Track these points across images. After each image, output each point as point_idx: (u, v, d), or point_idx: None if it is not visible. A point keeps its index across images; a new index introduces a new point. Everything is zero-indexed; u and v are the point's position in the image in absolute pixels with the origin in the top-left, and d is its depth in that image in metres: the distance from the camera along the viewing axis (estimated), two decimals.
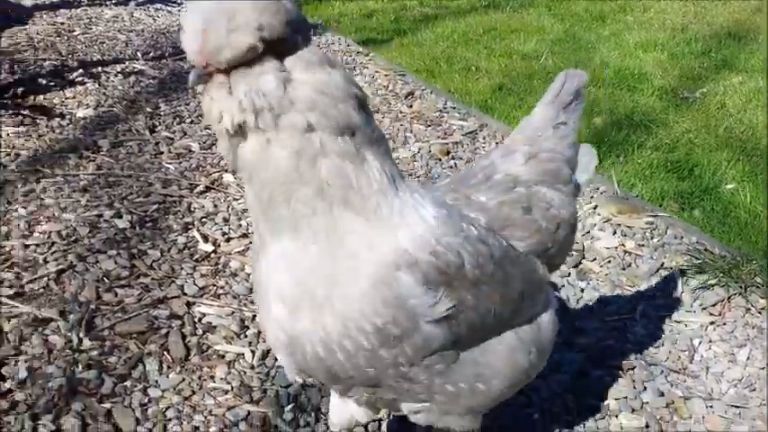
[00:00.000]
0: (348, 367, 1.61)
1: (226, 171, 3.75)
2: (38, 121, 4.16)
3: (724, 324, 2.89)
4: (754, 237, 3.61)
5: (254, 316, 2.73)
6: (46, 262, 2.95)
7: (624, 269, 3.19)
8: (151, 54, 5.29)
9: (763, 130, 4.78)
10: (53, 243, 3.06)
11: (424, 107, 4.76)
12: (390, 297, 1.54)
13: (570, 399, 2.48)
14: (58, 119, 4.20)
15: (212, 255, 3.08)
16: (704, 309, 2.97)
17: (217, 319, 2.71)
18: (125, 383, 2.42)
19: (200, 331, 2.66)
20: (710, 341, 2.81)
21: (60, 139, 3.98)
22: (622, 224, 3.49)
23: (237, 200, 3.52)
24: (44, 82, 4.68)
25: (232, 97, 1.43)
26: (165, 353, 2.56)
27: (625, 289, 3.07)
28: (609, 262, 3.22)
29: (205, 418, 2.31)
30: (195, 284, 2.89)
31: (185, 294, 2.83)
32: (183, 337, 2.62)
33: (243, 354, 2.57)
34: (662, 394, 2.53)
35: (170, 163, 3.79)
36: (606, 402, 2.48)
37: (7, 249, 3.01)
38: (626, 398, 2.50)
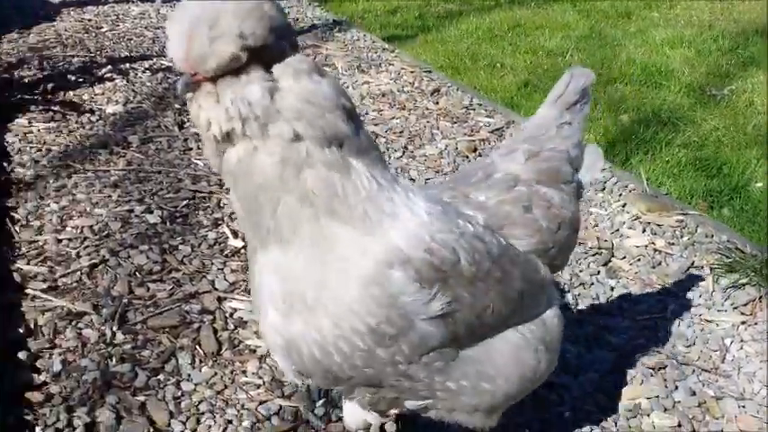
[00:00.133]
0: (346, 368, 1.61)
1: None
2: (68, 116, 4.20)
3: (755, 323, 2.87)
4: None
5: None
6: (78, 256, 2.98)
7: (654, 267, 3.17)
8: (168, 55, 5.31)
9: None
10: (85, 238, 3.10)
11: (450, 104, 4.76)
12: (383, 296, 1.53)
13: (601, 397, 2.47)
14: (87, 115, 4.23)
15: (242, 250, 3.09)
16: (735, 308, 2.95)
17: (248, 315, 2.73)
18: (158, 377, 2.44)
19: (231, 326, 2.67)
20: (742, 341, 2.79)
21: (90, 134, 4.01)
22: (652, 222, 3.47)
23: None
24: (73, 78, 4.72)
25: (219, 106, 1.43)
26: (198, 347, 2.58)
27: (655, 287, 3.05)
28: (639, 260, 3.21)
29: (238, 411, 2.32)
30: (226, 280, 2.91)
31: (216, 289, 2.85)
32: (215, 331, 2.64)
33: None
34: (694, 393, 2.52)
35: (199, 159, 3.81)
36: (638, 401, 2.47)
37: (40, 244, 3.04)
38: (658, 397, 2.49)
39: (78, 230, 3.14)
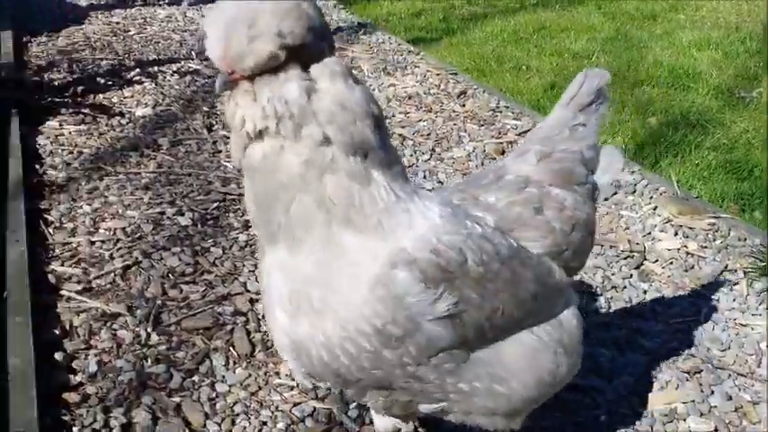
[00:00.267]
0: (353, 370, 1.60)
1: None
2: (98, 119, 4.24)
3: None
4: None
5: None
6: (112, 258, 3.00)
7: (687, 271, 3.14)
8: (205, 54, 5.33)
9: None
10: (118, 240, 3.12)
11: (477, 106, 4.75)
12: (388, 297, 1.53)
13: (636, 401, 2.46)
14: (117, 117, 4.27)
15: None
16: None
17: None
18: (193, 378, 2.45)
19: (263, 328, 2.68)
20: None
21: (121, 137, 4.05)
22: (684, 225, 3.45)
23: None
24: (102, 81, 4.78)
25: (256, 104, 1.44)
26: (231, 348, 2.59)
27: (688, 291, 3.03)
28: (671, 263, 3.18)
29: (272, 413, 2.33)
30: (257, 281, 2.91)
31: (248, 291, 2.86)
32: (248, 333, 2.65)
33: None
34: (730, 398, 2.49)
35: (228, 161, 3.83)
36: (674, 405, 2.44)
37: (74, 245, 3.07)
38: (693, 401, 2.46)
39: (111, 232, 3.17)
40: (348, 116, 1.46)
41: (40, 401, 2.18)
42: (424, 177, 3.85)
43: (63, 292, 2.79)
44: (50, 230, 3.16)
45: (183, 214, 3.33)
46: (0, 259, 2.82)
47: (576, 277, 2.90)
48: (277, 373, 2.49)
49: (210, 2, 6.54)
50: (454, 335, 1.60)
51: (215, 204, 3.43)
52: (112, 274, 2.91)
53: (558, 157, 1.93)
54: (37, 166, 3.68)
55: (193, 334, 2.64)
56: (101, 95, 4.56)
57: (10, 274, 2.71)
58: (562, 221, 1.84)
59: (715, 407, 2.46)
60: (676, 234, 3.39)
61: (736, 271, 3.15)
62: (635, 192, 3.73)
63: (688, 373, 2.60)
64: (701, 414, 2.42)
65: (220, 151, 3.96)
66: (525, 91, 5.35)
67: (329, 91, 1.45)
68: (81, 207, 3.34)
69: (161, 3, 6.53)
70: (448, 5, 7.48)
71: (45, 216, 3.26)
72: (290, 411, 2.34)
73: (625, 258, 3.21)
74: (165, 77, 4.90)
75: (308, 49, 1.42)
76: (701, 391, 2.51)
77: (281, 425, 2.29)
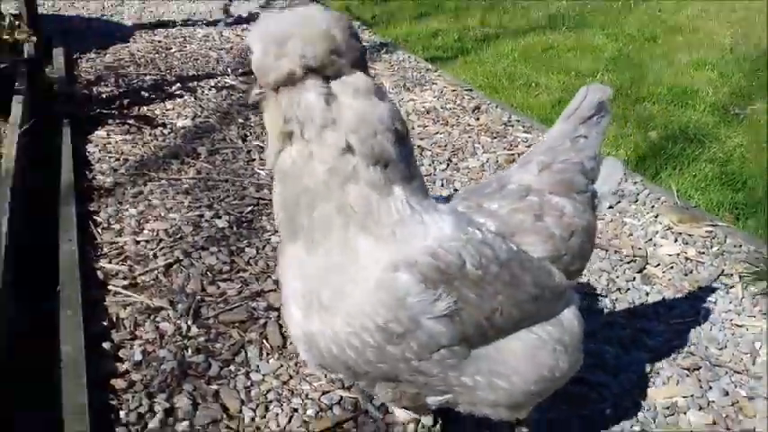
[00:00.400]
0: (360, 363, 1.61)
1: None
2: (142, 129, 4.26)
3: None
4: None
5: None
6: (155, 256, 3.02)
7: (686, 275, 3.12)
8: (240, 70, 5.35)
9: None
10: (161, 240, 3.14)
11: (490, 120, 4.74)
12: (390, 297, 1.54)
13: (639, 395, 2.44)
14: (160, 128, 4.29)
15: None
16: (764, 314, 2.89)
17: None
18: (230, 368, 2.46)
19: None
20: None
21: (163, 146, 4.07)
22: (683, 232, 3.42)
23: None
24: (146, 94, 4.80)
25: (281, 111, 1.49)
26: (264, 341, 2.59)
27: (688, 293, 3.00)
28: (671, 268, 3.16)
29: (302, 401, 2.33)
30: None
31: (280, 288, 2.86)
32: (280, 327, 2.65)
33: None
34: (727, 393, 2.47)
35: (261, 169, 3.84)
36: (675, 400, 2.43)
37: (120, 245, 3.09)
38: (693, 396, 2.45)
39: (154, 233, 3.19)
40: (369, 129, 1.48)
41: (90, 387, 2.19)
42: (441, 185, 3.85)
43: (110, 287, 2.81)
44: (99, 231, 3.19)
45: (219, 217, 3.34)
46: (54, 257, 2.84)
47: (583, 280, 2.92)
48: (306, 364, 2.49)
49: (244, 23, 6.61)
50: (454, 332, 1.60)
51: (249, 208, 3.44)
52: (156, 272, 2.93)
53: (559, 167, 1.91)
54: (87, 172, 3.71)
55: (230, 327, 2.65)
56: (144, 108, 4.58)
57: (62, 271, 2.73)
58: (561, 228, 1.82)
59: (713, 401, 2.44)
60: (676, 240, 3.37)
61: (731, 275, 3.12)
62: (637, 201, 3.71)
63: (688, 369, 2.58)
64: (700, 408, 2.41)
65: (254, 160, 3.97)
66: (535, 106, 5.34)
67: (351, 105, 1.48)
68: (127, 210, 3.36)
69: (199, 23, 6.56)
70: (462, 27, 7.46)
71: (94, 218, 3.28)
72: (319, 399, 2.34)
73: (628, 263, 3.19)
74: (203, 92, 4.92)
75: (331, 66, 1.46)
76: (700, 387, 2.50)
77: (310, 411, 2.29)
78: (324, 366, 1.72)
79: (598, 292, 2.96)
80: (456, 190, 3.80)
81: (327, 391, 2.37)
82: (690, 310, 2.91)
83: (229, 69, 5.39)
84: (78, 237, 2.98)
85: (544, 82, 5.90)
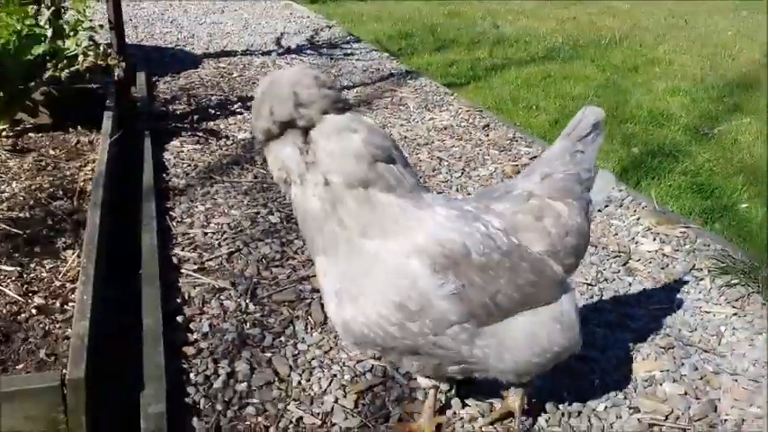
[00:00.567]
0: (387, 339, 1.63)
1: None
2: (209, 140, 4.29)
3: (745, 315, 2.76)
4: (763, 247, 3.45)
5: None
6: (220, 246, 3.04)
7: (663, 269, 3.08)
8: None
9: None
10: (224, 232, 3.15)
11: (498, 136, 4.71)
12: (404, 280, 1.56)
13: (624, 369, 2.41)
14: (224, 139, 4.32)
15: None
16: (729, 302, 2.85)
17: None
18: (280, 339, 2.47)
19: None
20: (734, 328, 2.69)
21: (226, 154, 4.09)
22: (661, 233, 3.37)
23: None
24: (212, 112, 4.82)
25: (271, 161, 1.57)
26: (309, 317, 2.60)
27: (664, 284, 2.96)
28: (650, 262, 3.12)
29: (340, 368, 2.34)
30: None
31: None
32: (322, 306, 2.63)
33: None
34: (696, 369, 2.44)
35: None
36: (653, 373, 2.40)
37: (191, 235, 3.11)
38: (668, 371, 2.41)
39: (219, 226, 3.20)
40: (340, 163, 1.51)
41: (166, 353, 2.21)
42: (456, 190, 3.83)
43: (183, 271, 2.83)
44: (174, 224, 3.21)
45: (273, 214, 3.35)
46: (137, 245, 2.87)
47: (576, 272, 2.88)
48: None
49: (294, 53, 6.62)
50: (463, 310, 1.61)
51: None
52: (220, 258, 2.94)
53: (559, 177, 1.90)
54: (164, 176, 3.74)
55: (281, 305, 2.66)
56: (211, 122, 4.61)
57: (144, 256, 2.75)
58: (558, 228, 1.81)
59: (685, 375, 2.41)
60: (655, 239, 3.32)
61: (701, 270, 3.07)
62: (622, 205, 3.66)
63: (664, 348, 2.54)
64: (674, 381, 2.38)
65: None
66: (535, 125, 5.29)
67: (325, 147, 1.51)
68: (197, 207, 3.39)
69: (256, 53, 6.58)
70: (474, 58, 7.41)
71: (170, 213, 3.31)
72: (354, 367, 2.34)
73: (614, 257, 3.15)
74: None
75: (301, 118, 1.50)
76: (674, 363, 2.46)
77: (347, 377, 2.29)
78: (358, 345, 1.75)
79: (588, 282, 2.93)
80: (469, 194, 3.78)
81: (361, 360, 2.37)
82: (666, 298, 2.87)
83: None
84: (157, 228, 3.01)
85: (543, 105, 5.85)
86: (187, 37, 7.14)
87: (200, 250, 2.99)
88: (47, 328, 2.31)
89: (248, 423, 2.07)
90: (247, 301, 2.65)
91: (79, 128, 4.06)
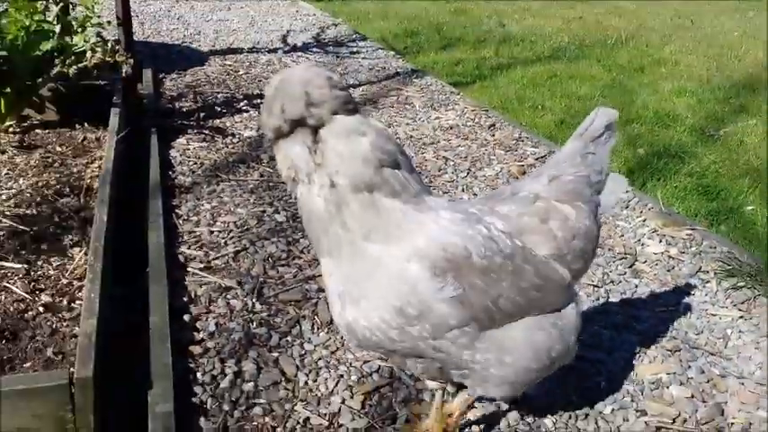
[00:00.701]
0: (388, 342, 1.62)
1: None
2: (215, 138, 4.28)
3: (751, 318, 2.76)
4: None
5: None
6: (226, 244, 3.03)
7: (669, 271, 3.07)
8: None
9: None
10: (231, 230, 3.15)
11: (504, 136, 4.70)
12: (404, 284, 1.54)
13: (630, 371, 2.41)
14: (230, 137, 4.31)
15: None
16: (735, 305, 2.84)
17: None
18: (287, 338, 2.46)
19: None
20: (740, 331, 2.68)
21: (232, 152, 4.09)
22: (667, 235, 3.36)
23: None
24: (218, 109, 4.82)
25: (280, 159, 1.55)
26: (316, 317, 2.60)
27: (671, 287, 2.95)
28: (657, 264, 3.11)
29: (347, 368, 2.33)
30: None
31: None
32: (328, 306, 2.63)
33: None
34: (703, 372, 2.43)
35: None
36: (659, 376, 2.39)
37: (198, 234, 3.11)
38: (675, 373, 2.41)
39: (225, 225, 3.20)
40: (347, 165, 1.50)
41: (173, 352, 2.21)
42: (462, 190, 3.82)
43: (189, 269, 2.83)
44: (180, 222, 3.21)
45: (279, 213, 3.35)
46: (143, 243, 2.87)
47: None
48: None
49: (300, 51, 6.61)
50: (463, 314, 1.59)
51: None
52: (226, 257, 2.94)
53: (568, 179, 1.87)
54: (170, 173, 3.73)
55: (287, 305, 2.66)
56: (217, 120, 4.60)
57: (151, 254, 2.75)
58: (564, 231, 1.78)
59: (691, 378, 2.40)
60: (661, 241, 3.31)
61: (708, 272, 3.07)
62: (628, 207, 3.65)
63: (670, 350, 2.54)
64: (681, 383, 2.37)
65: None
66: (540, 125, 5.28)
67: (334, 148, 1.50)
68: (203, 205, 3.38)
69: (262, 50, 6.56)
70: (480, 57, 7.39)
71: (176, 211, 3.31)
72: (361, 367, 2.34)
73: (620, 259, 3.14)
74: None
75: (312, 117, 1.48)
76: (681, 366, 2.46)
77: (353, 377, 2.29)
78: (362, 347, 1.75)
79: (595, 284, 2.92)
80: (475, 194, 3.78)
81: (368, 361, 2.36)
82: (672, 300, 2.86)
83: None
84: (163, 226, 3.00)
85: (549, 105, 5.83)
86: (194, 34, 7.14)
87: (206, 248, 2.99)
88: (54, 326, 2.31)
89: (255, 423, 2.07)
90: (254, 300, 2.65)
91: (86, 124, 4.06)
